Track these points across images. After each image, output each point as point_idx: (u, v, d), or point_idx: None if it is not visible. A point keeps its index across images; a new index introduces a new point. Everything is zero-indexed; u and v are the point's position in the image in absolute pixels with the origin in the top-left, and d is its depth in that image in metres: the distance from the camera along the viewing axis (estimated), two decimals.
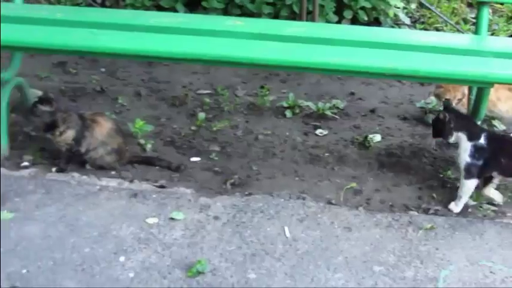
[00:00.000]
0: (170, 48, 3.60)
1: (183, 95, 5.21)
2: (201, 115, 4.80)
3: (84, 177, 4.01)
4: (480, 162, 3.74)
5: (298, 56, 3.56)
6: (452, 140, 3.82)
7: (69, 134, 4.00)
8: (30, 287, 3.08)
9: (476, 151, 3.74)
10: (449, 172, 4.12)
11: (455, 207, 3.83)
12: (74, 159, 4.10)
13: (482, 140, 3.74)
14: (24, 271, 3.18)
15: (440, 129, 3.85)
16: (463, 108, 4.45)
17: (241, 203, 3.78)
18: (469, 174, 3.77)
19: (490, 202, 3.90)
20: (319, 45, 3.67)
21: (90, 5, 6.43)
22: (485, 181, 3.90)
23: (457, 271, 3.29)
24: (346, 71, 3.79)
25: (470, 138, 3.76)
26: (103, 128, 4.05)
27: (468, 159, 3.75)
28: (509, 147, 3.84)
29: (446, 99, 4.21)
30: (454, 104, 4.36)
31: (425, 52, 3.62)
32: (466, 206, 3.84)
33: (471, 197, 3.86)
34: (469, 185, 3.79)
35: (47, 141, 4.14)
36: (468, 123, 3.87)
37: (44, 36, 3.67)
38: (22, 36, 3.68)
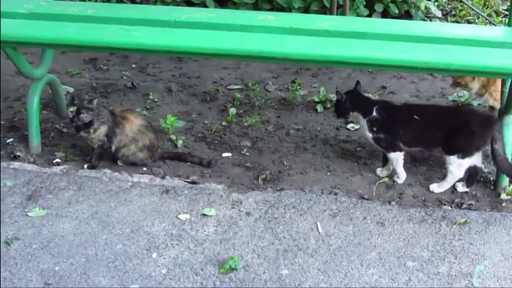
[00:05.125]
0: (202, 44, 3.60)
1: (214, 91, 5.21)
2: (232, 110, 4.80)
3: (116, 173, 4.02)
4: (382, 135, 3.91)
5: (330, 50, 3.54)
6: (350, 118, 4.13)
7: (102, 130, 4.02)
8: (63, 284, 3.10)
9: (372, 125, 3.95)
10: (482, 166, 4.07)
11: (398, 179, 4.03)
12: (105, 156, 4.12)
13: (374, 114, 3.95)
14: (57, 268, 3.20)
15: (339, 110, 4.10)
16: (496, 102, 4.37)
17: (273, 199, 3.77)
18: (383, 148, 4.00)
19: None
20: (351, 39, 3.64)
21: (120, 1, 6.44)
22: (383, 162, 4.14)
23: (492, 266, 3.26)
24: (378, 65, 3.76)
25: (364, 115, 3.97)
26: (133, 125, 4.06)
27: (369, 135, 3.97)
28: (405, 117, 3.93)
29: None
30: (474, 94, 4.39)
31: (457, 45, 3.58)
32: (499, 201, 3.81)
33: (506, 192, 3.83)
34: (393, 157, 3.97)
35: (78, 138, 4.17)
36: (362, 102, 4.05)
37: (75, 33, 3.68)
38: (53, 33, 3.69)
